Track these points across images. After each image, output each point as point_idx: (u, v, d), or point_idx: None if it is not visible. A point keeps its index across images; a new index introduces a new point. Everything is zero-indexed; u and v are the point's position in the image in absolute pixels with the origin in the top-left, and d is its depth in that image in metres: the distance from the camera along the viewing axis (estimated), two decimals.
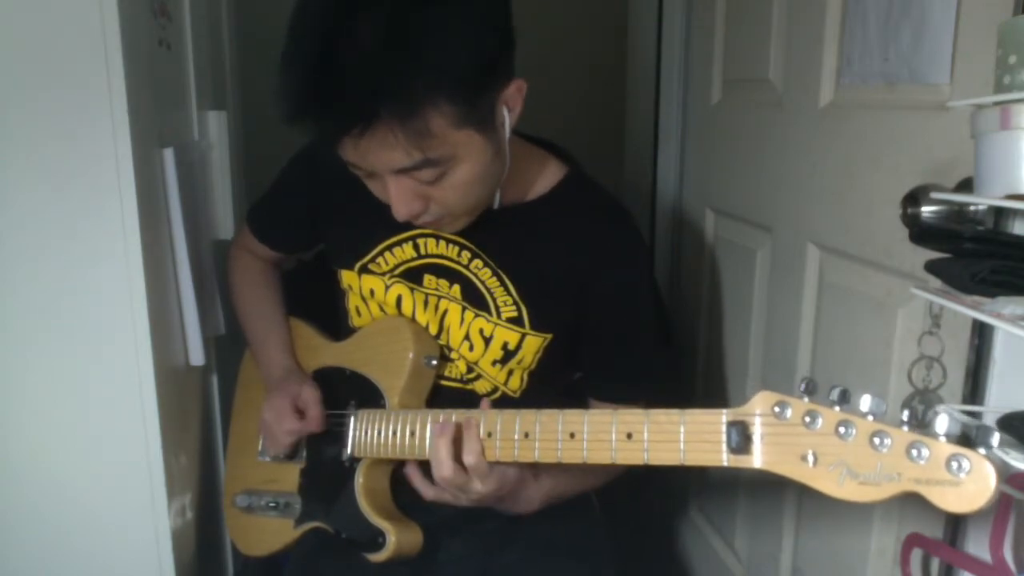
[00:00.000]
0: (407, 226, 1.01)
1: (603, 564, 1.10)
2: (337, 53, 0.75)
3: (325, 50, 0.76)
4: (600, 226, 1.01)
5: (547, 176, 1.03)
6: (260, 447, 1.16)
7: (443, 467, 0.89)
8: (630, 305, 1.04)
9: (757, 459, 0.68)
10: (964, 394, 0.83)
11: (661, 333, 1.09)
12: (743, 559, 1.45)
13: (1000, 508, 0.76)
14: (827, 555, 1.16)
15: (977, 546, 0.83)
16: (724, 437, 0.69)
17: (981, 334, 0.81)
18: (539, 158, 1.04)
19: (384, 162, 0.82)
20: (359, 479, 1.02)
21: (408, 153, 0.80)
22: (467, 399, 1.04)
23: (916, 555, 0.90)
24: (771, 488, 1.31)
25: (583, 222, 1.01)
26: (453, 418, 0.91)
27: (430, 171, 0.83)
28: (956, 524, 0.86)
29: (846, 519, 1.09)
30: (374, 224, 1.03)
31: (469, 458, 0.88)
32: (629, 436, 0.76)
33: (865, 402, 0.62)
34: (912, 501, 0.94)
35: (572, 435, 0.81)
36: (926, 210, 0.84)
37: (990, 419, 0.73)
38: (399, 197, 0.86)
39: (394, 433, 0.97)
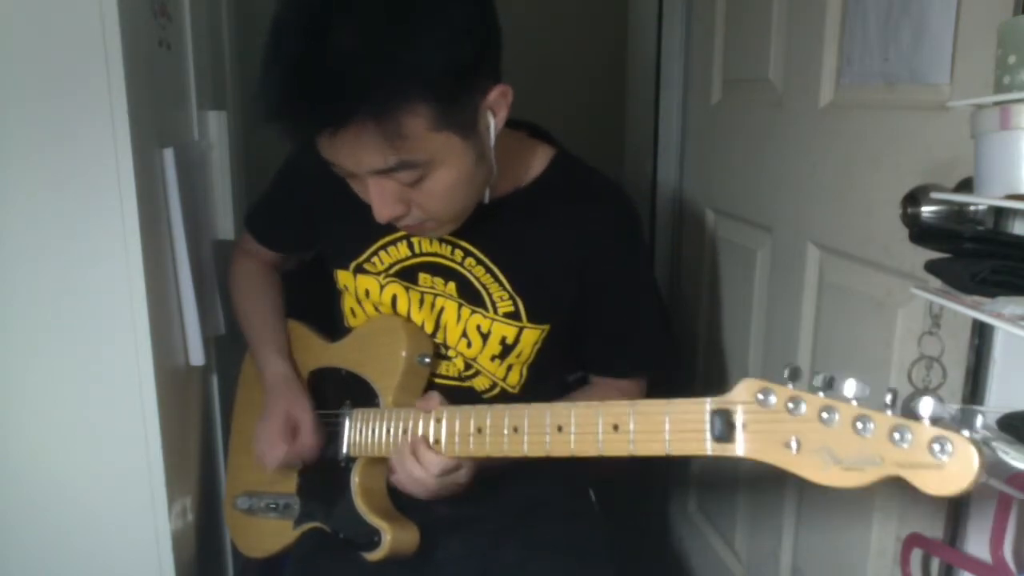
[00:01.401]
0: None
1: (602, 564, 1.10)
2: (313, 54, 0.76)
3: (303, 51, 0.76)
4: (591, 204, 1.01)
5: (534, 162, 1.03)
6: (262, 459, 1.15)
7: (416, 473, 0.92)
8: (629, 278, 1.05)
9: (740, 447, 0.68)
10: (964, 394, 0.83)
11: (660, 301, 1.10)
12: (743, 558, 1.45)
13: (1000, 508, 0.76)
14: (827, 555, 1.16)
15: (977, 546, 0.83)
16: (708, 426, 0.69)
17: (981, 334, 0.81)
18: (526, 145, 1.03)
19: (360, 163, 0.82)
20: (355, 478, 1.02)
21: (383, 155, 0.80)
22: (465, 396, 1.05)
23: (916, 555, 0.90)
24: (771, 487, 1.31)
25: (574, 202, 1.01)
26: (432, 417, 0.92)
27: (408, 173, 0.83)
28: (956, 524, 0.86)
29: (846, 518, 1.09)
30: (369, 224, 1.03)
31: (432, 468, 0.90)
32: (616, 428, 0.77)
33: (850, 387, 0.61)
34: (912, 500, 0.94)
35: (560, 428, 0.81)
36: (926, 210, 0.84)
37: (990, 419, 0.73)
38: (379, 199, 0.86)
39: (388, 432, 0.97)
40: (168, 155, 1.03)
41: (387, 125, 0.78)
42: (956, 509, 0.86)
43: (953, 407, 0.70)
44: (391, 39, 0.76)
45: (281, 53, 0.78)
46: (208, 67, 1.32)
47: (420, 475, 0.92)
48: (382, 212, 0.87)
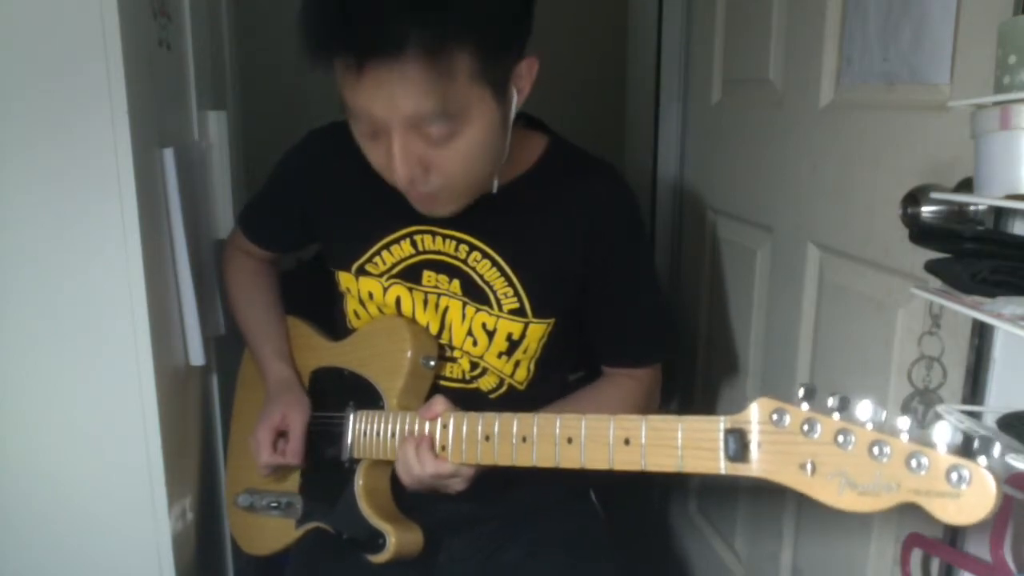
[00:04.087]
0: (404, 223, 1.01)
1: (603, 564, 1.10)
2: None
3: None
4: (589, 183, 1.02)
5: (531, 150, 1.03)
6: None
7: (413, 469, 0.91)
8: (634, 254, 1.05)
9: (755, 467, 0.67)
10: (964, 394, 0.83)
11: (659, 284, 1.11)
12: (743, 559, 1.45)
13: (1000, 508, 0.75)
14: (827, 555, 1.16)
15: (977, 546, 0.83)
16: (721, 445, 0.69)
17: (981, 334, 0.81)
18: (521, 136, 1.03)
19: (402, 104, 0.81)
20: (359, 480, 1.01)
21: (428, 96, 0.80)
22: (471, 398, 1.04)
23: (916, 555, 0.90)
24: (771, 488, 1.30)
25: (572, 184, 1.01)
26: (439, 422, 0.92)
27: (441, 126, 0.83)
28: None
29: (846, 520, 1.09)
30: (371, 223, 1.03)
31: (429, 469, 0.90)
32: (627, 442, 0.76)
33: (864, 409, 0.61)
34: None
35: (570, 440, 0.80)
36: (926, 210, 0.84)
37: (990, 419, 0.73)
38: (403, 155, 0.84)
39: (392, 435, 0.97)
40: (168, 155, 1.03)
41: (437, 63, 0.78)
42: None
43: (967, 418, 0.69)
44: None
45: None
46: (208, 67, 1.31)
47: (416, 470, 0.91)
48: (403, 170, 0.85)
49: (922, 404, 0.87)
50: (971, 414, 0.75)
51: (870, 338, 1.01)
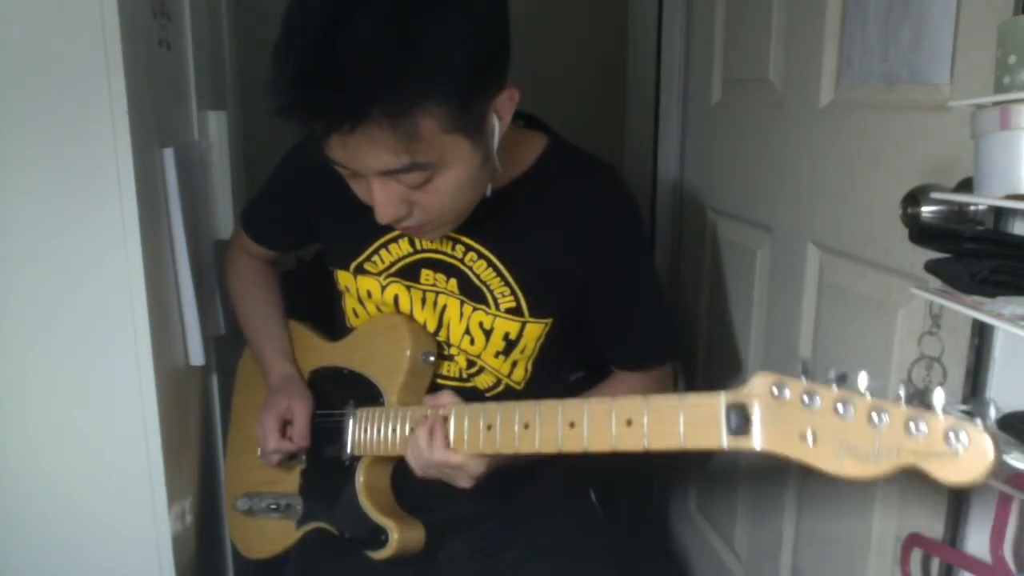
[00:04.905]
0: None
1: (603, 564, 1.10)
2: (333, 49, 0.75)
3: (321, 45, 0.75)
4: (589, 185, 1.01)
5: (530, 151, 1.02)
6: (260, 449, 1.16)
7: (423, 453, 0.91)
8: (635, 258, 1.05)
9: (757, 440, 0.67)
10: (964, 394, 0.83)
11: (659, 285, 1.11)
12: (743, 559, 1.45)
13: (1000, 508, 0.76)
14: (827, 555, 1.16)
15: (977, 546, 0.83)
16: (723, 419, 0.69)
17: (981, 334, 0.81)
18: (521, 135, 1.03)
19: (371, 163, 0.81)
20: (360, 477, 1.02)
21: (396, 155, 0.79)
22: (468, 396, 1.04)
23: (916, 555, 0.90)
24: (771, 487, 1.31)
25: (572, 185, 1.01)
26: (440, 416, 0.91)
27: (416, 175, 0.82)
28: (956, 524, 0.86)
29: (846, 518, 1.09)
30: (369, 222, 1.03)
31: (437, 455, 0.89)
32: (629, 423, 0.76)
33: (863, 380, 0.62)
34: (912, 499, 0.94)
35: (572, 424, 0.80)
36: (926, 210, 0.84)
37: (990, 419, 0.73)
38: (383, 200, 0.85)
39: (393, 431, 0.97)
40: (168, 155, 1.03)
41: (402, 125, 0.77)
42: (956, 509, 0.86)
43: (959, 406, 0.70)
44: (413, 34, 0.75)
45: (296, 46, 0.77)
46: (208, 67, 1.32)
47: (426, 455, 0.91)
48: (385, 213, 0.86)
49: (923, 404, 0.87)
50: (971, 414, 0.75)
51: (870, 338, 1.01)
